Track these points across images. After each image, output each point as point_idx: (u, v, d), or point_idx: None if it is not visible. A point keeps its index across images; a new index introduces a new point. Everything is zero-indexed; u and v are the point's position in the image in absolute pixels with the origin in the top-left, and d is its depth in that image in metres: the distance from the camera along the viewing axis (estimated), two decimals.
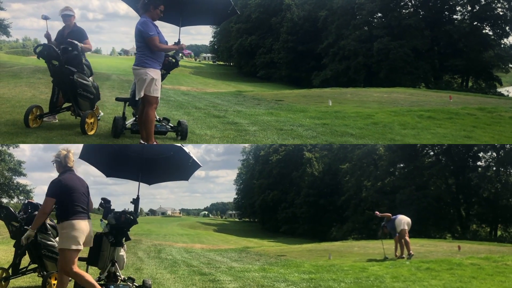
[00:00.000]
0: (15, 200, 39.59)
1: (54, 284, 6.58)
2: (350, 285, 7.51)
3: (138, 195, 6.46)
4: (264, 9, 64.99)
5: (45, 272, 6.78)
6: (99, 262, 6.22)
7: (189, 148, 6.30)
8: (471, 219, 39.52)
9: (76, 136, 7.75)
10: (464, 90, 45.07)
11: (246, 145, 69.10)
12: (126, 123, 7.84)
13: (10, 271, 6.97)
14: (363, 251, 13.52)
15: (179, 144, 6.37)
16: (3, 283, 6.81)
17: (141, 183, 6.61)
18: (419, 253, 12.36)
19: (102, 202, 6.31)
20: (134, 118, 7.81)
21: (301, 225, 52.33)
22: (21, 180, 40.00)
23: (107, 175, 7.03)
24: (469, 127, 11.74)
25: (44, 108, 8.29)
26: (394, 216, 11.68)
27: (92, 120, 7.93)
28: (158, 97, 6.96)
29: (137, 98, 6.95)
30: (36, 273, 7.06)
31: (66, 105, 8.29)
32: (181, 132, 8.08)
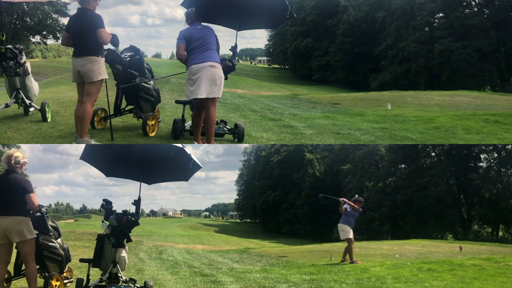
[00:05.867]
0: None
1: (55, 285, 6.59)
2: (352, 286, 7.51)
3: (139, 196, 6.47)
4: (320, 11, 63.42)
5: (46, 273, 6.79)
6: (101, 263, 6.24)
7: (189, 149, 6.29)
8: (473, 220, 39.49)
9: (138, 137, 7.96)
10: None
11: (247, 145, 69.07)
12: (185, 125, 7.95)
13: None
14: (364, 252, 13.50)
15: (180, 145, 6.36)
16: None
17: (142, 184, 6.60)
18: (421, 254, 12.36)
19: (104, 203, 6.33)
20: None
21: (303, 226, 52.29)
22: None
23: (107, 175, 7.04)
24: None
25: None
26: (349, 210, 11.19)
27: (153, 122, 8.19)
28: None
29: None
30: (38, 274, 7.06)
31: (128, 107, 8.57)
32: (238, 134, 8.16)
